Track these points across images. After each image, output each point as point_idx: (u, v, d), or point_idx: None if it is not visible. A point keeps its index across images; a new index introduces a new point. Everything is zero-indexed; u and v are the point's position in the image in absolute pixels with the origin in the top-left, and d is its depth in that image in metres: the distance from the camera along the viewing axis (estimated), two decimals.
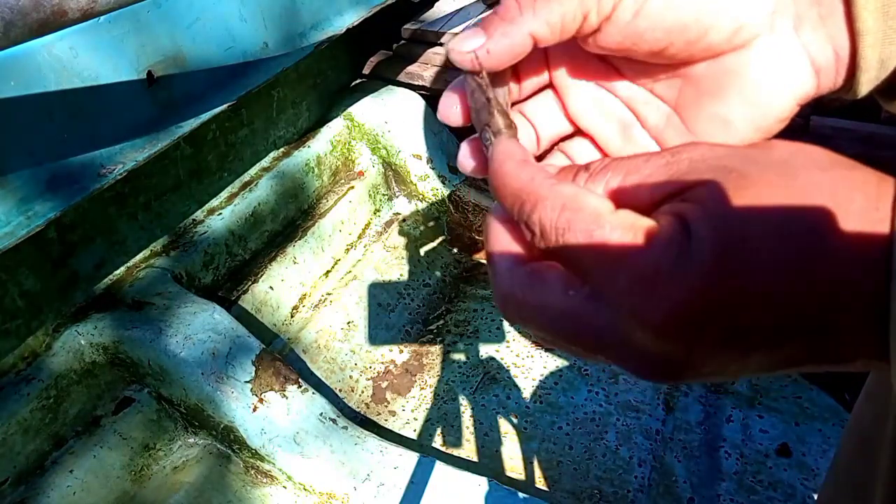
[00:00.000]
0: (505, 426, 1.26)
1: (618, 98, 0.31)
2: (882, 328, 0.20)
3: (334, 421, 1.10)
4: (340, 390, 1.32)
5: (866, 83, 0.26)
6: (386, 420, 1.29)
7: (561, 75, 0.31)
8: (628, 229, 0.22)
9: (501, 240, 0.26)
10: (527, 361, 1.37)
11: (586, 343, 0.24)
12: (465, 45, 0.27)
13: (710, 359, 0.21)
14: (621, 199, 0.24)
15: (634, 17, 0.26)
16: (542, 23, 0.26)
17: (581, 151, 0.32)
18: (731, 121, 0.28)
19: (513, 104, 0.31)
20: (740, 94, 0.28)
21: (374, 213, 1.63)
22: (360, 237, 1.58)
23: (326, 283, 1.47)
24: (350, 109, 1.63)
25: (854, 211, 0.21)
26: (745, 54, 0.27)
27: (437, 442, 1.25)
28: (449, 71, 1.67)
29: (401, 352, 1.42)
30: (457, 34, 0.28)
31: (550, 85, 0.32)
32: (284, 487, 1.07)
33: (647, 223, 0.22)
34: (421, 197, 1.64)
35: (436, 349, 1.42)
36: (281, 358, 1.16)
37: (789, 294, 0.20)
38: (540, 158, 0.32)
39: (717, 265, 0.20)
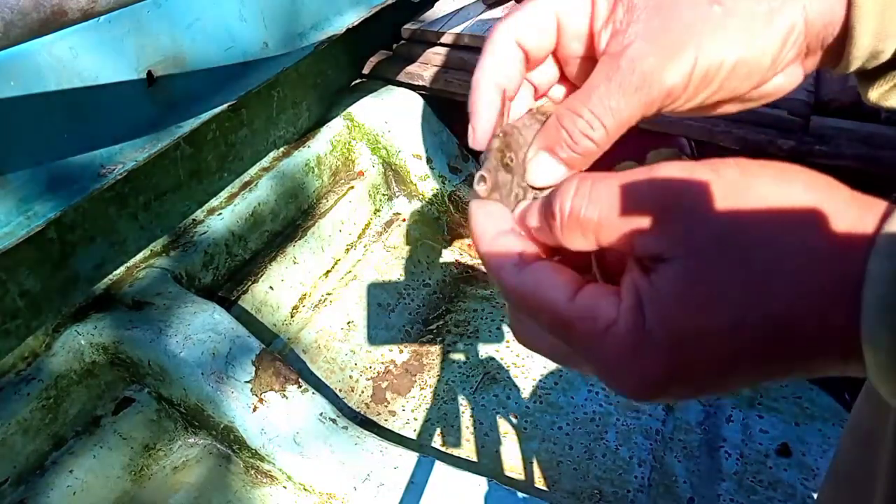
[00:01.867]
0: (505, 426, 1.26)
1: None
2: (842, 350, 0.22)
3: (334, 421, 1.10)
4: (340, 390, 1.32)
5: (854, 65, 0.29)
6: (386, 420, 1.29)
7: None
8: (587, 318, 0.25)
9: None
10: (527, 361, 1.37)
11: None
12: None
13: (684, 394, 0.25)
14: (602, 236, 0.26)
15: (681, 107, 0.29)
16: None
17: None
18: (727, 111, 0.31)
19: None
20: (741, 103, 0.31)
21: (374, 213, 1.63)
22: (360, 237, 1.58)
23: (326, 283, 1.47)
24: (350, 109, 1.63)
25: (814, 288, 0.22)
26: (757, 90, 0.30)
27: (437, 442, 1.25)
28: (449, 71, 1.67)
29: (401, 352, 1.42)
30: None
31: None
32: (284, 487, 1.07)
33: (605, 313, 0.25)
34: (421, 197, 1.64)
35: (436, 349, 1.42)
36: (281, 358, 1.16)
37: (740, 374, 0.23)
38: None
39: (671, 355, 0.23)
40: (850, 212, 0.22)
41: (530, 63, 0.31)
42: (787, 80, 0.29)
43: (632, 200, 0.24)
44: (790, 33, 0.27)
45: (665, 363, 0.23)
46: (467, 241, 1.64)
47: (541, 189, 0.30)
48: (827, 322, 0.21)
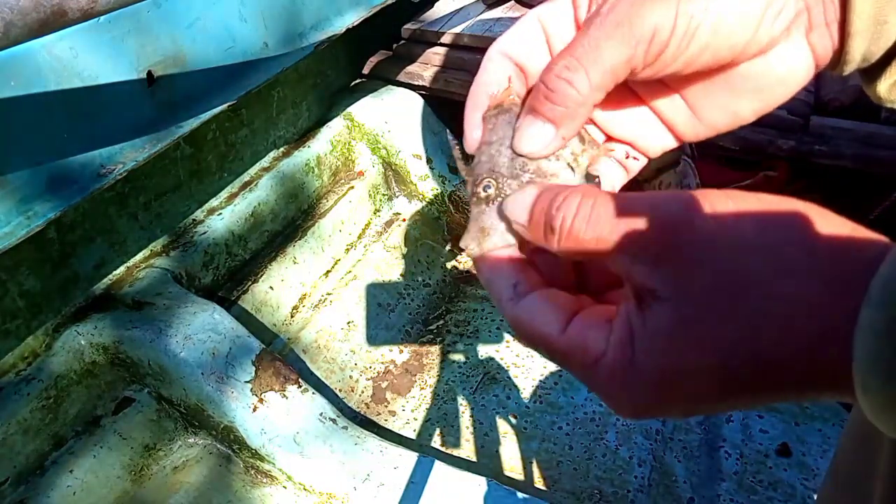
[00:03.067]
0: (505, 426, 1.26)
1: None
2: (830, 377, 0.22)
3: (334, 421, 1.10)
4: (340, 390, 1.32)
5: (850, 66, 0.29)
6: (386, 420, 1.29)
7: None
8: (578, 350, 0.26)
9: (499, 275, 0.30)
10: (527, 361, 1.37)
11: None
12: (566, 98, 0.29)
13: (675, 415, 0.26)
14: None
15: (674, 62, 0.28)
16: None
17: None
18: (739, 111, 0.31)
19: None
20: (753, 94, 0.30)
21: (374, 213, 1.63)
22: (360, 237, 1.58)
23: (326, 283, 1.47)
24: (350, 109, 1.63)
25: (801, 335, 0.22)
26: (761, 60, 0.29)
27: (437, 442, 1.25)
28: (449, 71, 1.67)
29: (401, 352, 1.42)
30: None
31: None
32: (284, 487, 1.07)
33: (594, 345, 0.26)
34: (421, 197, 1.64)
35: (436, 349, 1.42)
36: (281, 358, 1.16)
37: (727, 404, 0.24)
38: None
39: (659, 389, 0.24)
40: (846, 252, 0.22)
41: (528, 77, 0.31)
42: (794, 56, 0.28)
43: (630, 230, 0.24)
44: None
45: (653, 395, 0.25)
46: None
47: (530, 158, 0.30)
48: (816, 360, 0.22)
